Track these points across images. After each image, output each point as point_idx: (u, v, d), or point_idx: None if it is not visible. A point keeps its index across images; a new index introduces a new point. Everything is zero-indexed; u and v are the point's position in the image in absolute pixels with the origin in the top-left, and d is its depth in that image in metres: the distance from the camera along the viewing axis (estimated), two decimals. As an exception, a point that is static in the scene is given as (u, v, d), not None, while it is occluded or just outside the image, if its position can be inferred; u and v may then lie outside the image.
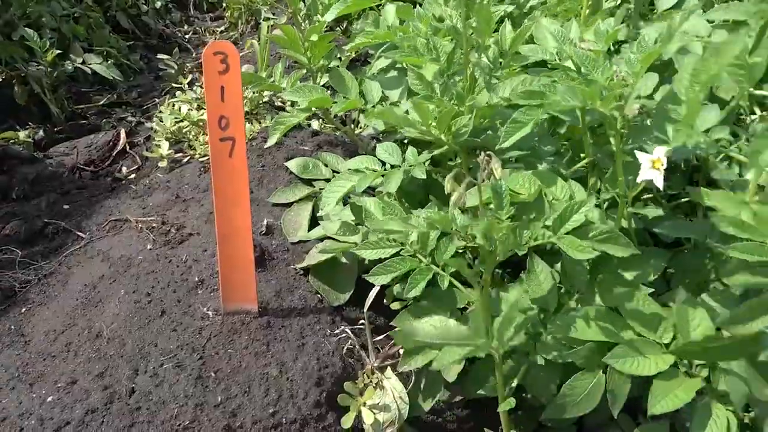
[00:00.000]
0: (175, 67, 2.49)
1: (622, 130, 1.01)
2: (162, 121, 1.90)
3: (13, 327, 1.22)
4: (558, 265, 1.11)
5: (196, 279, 1.20)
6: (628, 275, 1.09)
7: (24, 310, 1.27)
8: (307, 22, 1.74)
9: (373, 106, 1.46)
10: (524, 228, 0.98)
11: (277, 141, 1.56)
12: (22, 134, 2.04)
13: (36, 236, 1.63)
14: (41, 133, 2.11)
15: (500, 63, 1.16)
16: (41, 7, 2.29)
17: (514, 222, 0.99)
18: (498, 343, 0.94)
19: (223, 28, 3.21)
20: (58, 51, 2.11)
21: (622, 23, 1.31)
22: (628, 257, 1.12)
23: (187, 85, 2.20)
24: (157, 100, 2.35)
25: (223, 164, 1.05)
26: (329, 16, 1.52)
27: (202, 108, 2.03)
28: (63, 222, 1.66)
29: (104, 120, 2.25)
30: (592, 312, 1.02)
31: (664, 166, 0.92)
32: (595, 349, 0.98)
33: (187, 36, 3.21)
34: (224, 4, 3.32)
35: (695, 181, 1.39)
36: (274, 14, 2.85)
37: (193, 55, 2.93)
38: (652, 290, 1.04)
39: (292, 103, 2.03)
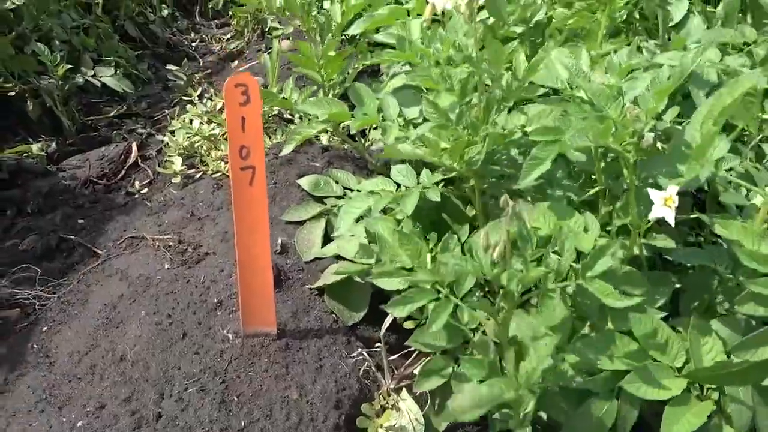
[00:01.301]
0: (184, 78, 2.51)
1: (635, 162, 1.03)
2: (174, 136, 1.93)
3: (36, 346, 1.25)
4: (569, 289, 1.14)
5: (215, 300, 1.23)
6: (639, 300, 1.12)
7: (45, 328, 1.30)
8: (318, 37, 1.76)
9: (392, 121, 1.49)
10: (550, 272, 0.99)
11: (290, 154, 1.59)
12: (35, 147, 2.07)
13: (52, 252, 1.66)
14: (53, 145, 2.13)
15: (513, 92, 1.18)
16: (52, 20, 2.31)
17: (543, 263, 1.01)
18: (524, 390, 0.95)
19: (229, 36, 3.23)
20: (69, 66, 2.14)
21: (632, 44, 1.33)
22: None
23: (197, 98, 2.23)
24: (166, 111, 2.38)
25: (244, 192, 1.08)
26: (355, 30, 1.54)
27: (213, 121, 2.06)
28: (78, 237, 1.69)
29: (115, 132, 2.27)
30: (608, 338, 1.04)
31: (676, 204, 0.94)
32: (610, 376, 1.01)
33: (194, 44, 3.23)
34: (230, 12, 3.34)
35: (702, 202, 1.42)
36: (280, 23, 2.87)
37: (201, 63, 2.95)
38: (664, 314, 1.07)
39: (302, 117, 2.06)
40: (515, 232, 0.96)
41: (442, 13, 1.12)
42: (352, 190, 1.64)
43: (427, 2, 1.13)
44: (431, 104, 1.16)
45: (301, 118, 2.06)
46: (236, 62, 2.69)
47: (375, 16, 1.50)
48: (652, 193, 0.96)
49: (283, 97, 1.84)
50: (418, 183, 1.33)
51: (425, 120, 1.25)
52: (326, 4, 1.85)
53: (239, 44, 3.03)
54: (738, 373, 0.93)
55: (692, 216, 1.19)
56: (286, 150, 1.42)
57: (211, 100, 2.20)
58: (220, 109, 2.18)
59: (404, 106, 1.51)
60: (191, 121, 1.98)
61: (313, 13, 1.73)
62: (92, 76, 2.25)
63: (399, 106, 1.50)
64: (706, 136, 0.97)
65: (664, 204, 0.95)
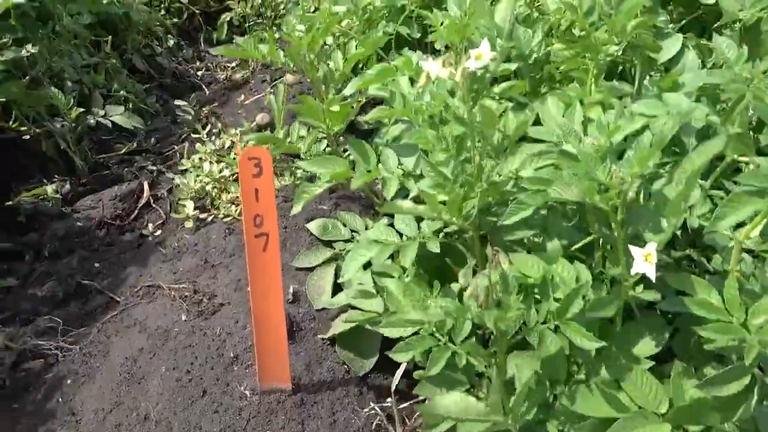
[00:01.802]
0: (192, 112, 2.57)
1: (622, 216, 1.09)
2: (185, 178, 1.98)
3: (61, 400, 1.31)
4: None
5: (231, 355, 1.29)
6: (632, 348, 1.18)
7: (69, 382, 1.36)
8: (323, 85, 1.82)
9: (391, 174, 1.55)
10: (530, 314, 1.07)
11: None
12: (49, 189, 2.13)
13: (71, 297, 1.72)
14: (67, 186, 2.19)
15: (505, 149, 1.24)
16: (63, 61, 2.37)
17: (524, 305, 1.08)
18: (514, 420, 1.03)
19: (234, 64, 3.29)
20: (81, 109, 2.20)
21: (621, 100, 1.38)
22: (631, 330, 1.21)
23: (205, 135, 2.28)
24: (176, 147, 2.43)
25: (258, 258, 1.13)
26: (348, 91, 1.60)
27: (222, 160, 2.12)
28: (95, 282, 1.75)
29: (126, 169, 2.33)
30: (597, 385, 1.11)
31: (656, 260, 1.01)
32: (598, 423, 1.07)
33: (199, 72, 3.29)
34: (234, 41, 3.40)
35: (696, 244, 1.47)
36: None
37: (207, 93, 3.01)
38: (651, 364, 1.13)
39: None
40: (498, 280, 1.04)
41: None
42: (359, 233, 1.70)
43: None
44: (428, 164, 1.21)
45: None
46: (242, 95, 2.74)
47: (366, 76, 1.56)
48: (633, 250, 1.02)
49: (290, 142, 1.91)
50: (420, 231, 1.39)
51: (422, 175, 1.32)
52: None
53: (244, 74, 3.09)
54: (713, 409, 0.99)
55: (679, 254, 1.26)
56: (295, 210, 1.47)
57: (219, 138, 2.26)
58: (228, 147, 2.25)
59: (402, 156, 1.56)
60: (201, 161, 2.04)
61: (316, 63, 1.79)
62: (103, 116, 2.32)
63: (397, 156, 1.56)
64: (679, 195, 1.03)
65: (645, 260, 1.01)
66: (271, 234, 1.13)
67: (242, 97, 2.67)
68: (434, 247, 1.34)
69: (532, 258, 1.17)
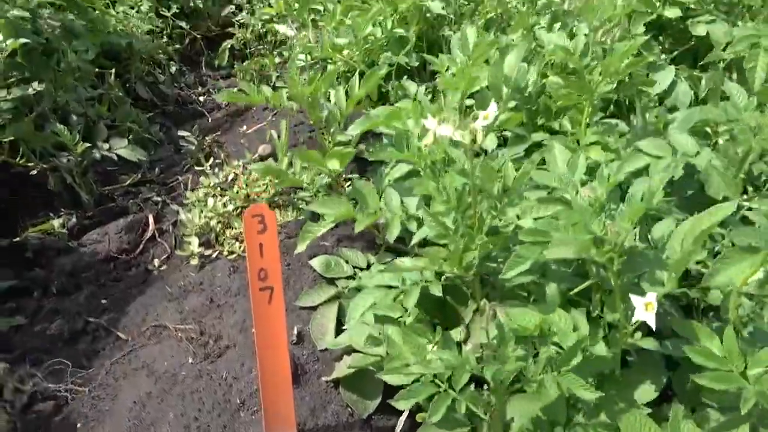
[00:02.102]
0: (195, 142, 2.61)
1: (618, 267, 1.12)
2: (189, 213, 2.02)
3: (72, 446, 1.34)
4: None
5: (238, 401, 1.31)
6: (631, 393, 1.21)
7: (80, 426, 1.39)
8: (325, 125, 1.86)
9: (393, 214, 1.58)
10: (529, 365, 1.10)
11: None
12: (56, 223, 2.17)
13: (79, 335, 1.75)
14: (73, 219, 2.23)
15: (505, 200, 1.27)
16: (69, 95, 2.42)
17: (522, 356, 1.12)
18: None
19: (236, 89, 3.33)
20: (87, 144, 2.23)
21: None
22: (631, 376, 1.24)
23: (209, 167, 2.32)
24: (180, 178, 2.47)
25: (263, 310, 1.16)
26: (353, 131, 1.64)
27: (226, 193, 2.15)
28: (103, 320, 1.79)
29: (131, 201, 2.36)
30: (597, 429, 1.14)
31: (656, 309, 1.03)
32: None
33: (201, 98, 3.33)
34: (234, 66, 3.45)
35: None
36: (285, 82, 2.97)
37: (209, 120, 3.06)
38: (649, 411, 1.16)
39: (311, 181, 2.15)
40: (495, 332, 1.07)
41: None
42: (362, 269, 1.73)
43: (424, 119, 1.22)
44: (430, 214, 1.25)
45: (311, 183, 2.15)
46: (244, 125, 2.78)
47: (372, 117, 1.60)
48: (634, 299, 1.05)
49: (293, 173, 1.94)
50: (422, 275, 1.42)
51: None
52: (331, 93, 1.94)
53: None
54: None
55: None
56: (299, 249, 1.51)
57: (222, 170, 2.30)
58: (232, 180, 2.28)
59: (404, 196, 1.60)
60: (205, 196, 2.07)
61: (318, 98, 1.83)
62: (108, 150, 2.36)
63: (400, 196, 1.59)
64: (685, 254, 1.06)
65: (645, 309, 1.04)
66: (276, 288, 1.16)
67: (244, 127, 2.71)
68: (436, 291, 1.37)
69: (528, 311, 1.20)
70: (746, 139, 1.29)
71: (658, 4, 2.05)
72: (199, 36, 3.73)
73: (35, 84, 2.18)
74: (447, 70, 1.68)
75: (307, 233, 1.57)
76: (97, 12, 2.95)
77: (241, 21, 3.71)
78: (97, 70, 2.71)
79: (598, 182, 1.20)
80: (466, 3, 2.56)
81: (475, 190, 1.21)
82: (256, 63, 3.24)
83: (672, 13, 2.02)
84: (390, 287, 1.41)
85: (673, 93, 2.06)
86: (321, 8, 2.96)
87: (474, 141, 1.11)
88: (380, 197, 1.59)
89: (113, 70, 2.73)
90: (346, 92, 1.81)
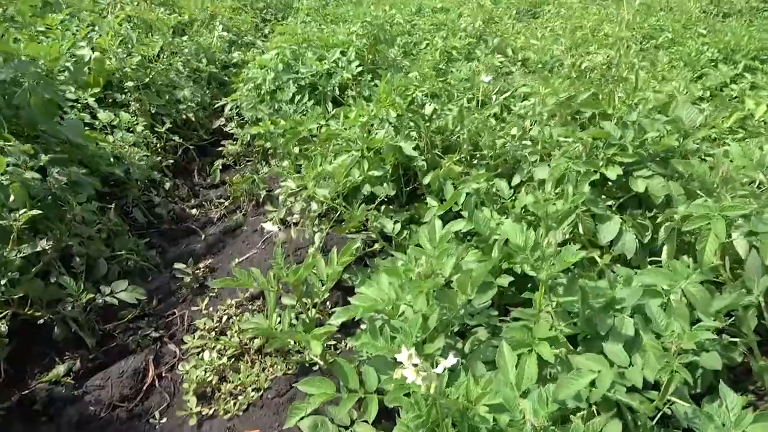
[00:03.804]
0: (190, 274, 2.81)
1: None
2: (187, 364, 2.20)
3: None
4: None
5: None
6: None
7: None
8: (306, 298, 2.07)
9: (371, 393, 1.78)
10: None
11: (291, 391, 1.86)
12: (62, 369, 2.34)
13: (87, 498, 1.91)
14: (78, 363, 2.40)
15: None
16: (72, 240, 2.61)
17: None
18: None
19: (227, 203, 3.55)
20: (90, 295, 2.42)
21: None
22: None
23: (204, 308, 2.51)
24: (176, 311, 2.66)
25: None
26: (335, 321, 1.85)
27: (220, 340, 2.34)
28: (109, 480, 1.95)
29: (131, 337, 2.54)
30: None
31: None
32: None
33: (193, 210, 3.54)
34: (225, 181, 3.68)
35: None
36: (272, 203, 3.20)
37: (203, 238, 3.26)
38: None
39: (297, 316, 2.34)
40: None
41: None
42: (346, 428, 1.92)
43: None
44: (403, 425, 1.45)
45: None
46: (236, 256, 2.98)
47: (351, 308, 1.81)
48: None
49: (281, 330, 2.14)
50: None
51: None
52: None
53: (237, 218, 3.35)
54: None
55: None
56: (288, 425, 1.70)
57: (216, 311, 2.49)
58: (226, 321, 2.48)
59: (381, 373, 1.80)
60: (201, 347, 2.26)
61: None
62: (109, 294, 2.54)
63: (377, 373, 1.79)
64: None
65: None
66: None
67: (236, 259, 2.90)
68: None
69: None
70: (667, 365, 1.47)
71: (601, 164, 2.31)
72: (191, 147, 3.97)
73: (43, 242, 2.37)
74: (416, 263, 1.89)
75: (295, 410, 1.76)
76: (97, 144, 3.18)
77: (231, 132, 3.96)
78: (97, 205, 2.91)
79: (538, 404, 1.39)
80: (439, 155, 2.82)
81: (441, 414, 1.41)
82: (246, 180, 3.47)
83: (612, 173, 2.27)
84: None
85: (619, 242, 2.30)
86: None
87: (431, 386, 1.31)
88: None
89: (113, 205, 2.94)
90: (327, 265, 2.04)
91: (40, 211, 2.30)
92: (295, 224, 3.20)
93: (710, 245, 1.83)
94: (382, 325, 1.75)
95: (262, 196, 3.42)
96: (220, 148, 3.92)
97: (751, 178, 2.01)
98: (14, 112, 2.75)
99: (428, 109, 2.95)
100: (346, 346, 2.29)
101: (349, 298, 1.98)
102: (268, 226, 2.82)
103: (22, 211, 2.27)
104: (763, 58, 5.06)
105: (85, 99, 3.47)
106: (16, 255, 2.32)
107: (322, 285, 2.04)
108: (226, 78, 4.82)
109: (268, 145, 3.47)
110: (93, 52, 3.71)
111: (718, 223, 1.80)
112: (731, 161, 2.04)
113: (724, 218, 1.80)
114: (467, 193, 2.46)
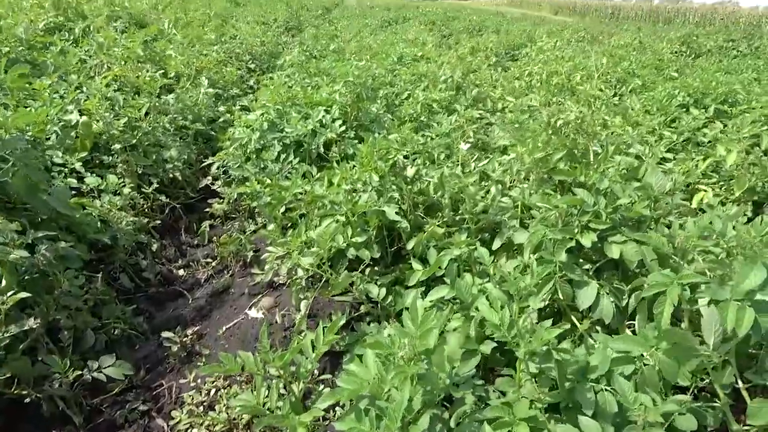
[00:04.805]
0: (178, 342, 2.82)
1: None
2: (175, 444, 2.21)
3: None
4: None
5: None
6: None
7: None
8: (293, 380, 2.10)
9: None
10: None
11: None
12: (50, 453, 2.33)
13: None
14: (66, 445, 2.39)
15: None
16: (60, 313, 2.63)
17: None
18: None
19: (214, 263, 3.58)
20: (78, 372, 2.43)
21: None
22: None
23: (192, 379, 2.53)
24: (164, 383, 2.66)
25: None
26: (320, 405, 1.88)
27: (210, 412, 2.36)
28: None
29: (119, 411, 2.54)
30: None
31: None
32: None
33: (181, 272, 3.57)
34: (213, 240, 3.71)
35: None
36: (259, 266, 3.24)
37: (190, 302, 3.28)
38: None
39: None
40: None
41: None
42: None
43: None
44: None
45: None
46: (224, 325, 3.00)
47: (336, 392, 1.84)
48: None
49: (268, 409, 2.16)
50: None
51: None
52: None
53: (225, 279, 3.38)
54: None
55: None
56: None
57: (204, 384, 2.51)
58: (215, 393, 2.49)
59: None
60: (191, 427, 2.27)
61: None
62: (97, 369, 2.54)
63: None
64: None
65: None
66: None
67: (224, 328, 2.93)
68: None
69: None
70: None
71: (576, 231, 2.40)
72: (178, 205, 4.02)
73: (31, 320, 2.39)
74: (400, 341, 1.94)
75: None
76: (84, 208, 3.21)
77: (218, 189, 4.02)
78: (85, 275, 2.93)
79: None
80: (422, 216, 2.90)
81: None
82: (233, 241, 3.51)
83: (587, 240, 2.35)
84: None
85: (597, 308, 2.38)
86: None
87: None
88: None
89: (100, 274, 2.97)
90: (312, 345, 2.08)
91: (29, 294, 2.32)
92: (283, 285, 3.25)
93: (667, 310, 1.92)
94: (367, 408, 1.78)
95: (249, 256, 3.46)
96: (207, 208, 3.97)
97: (706, 250, 2.12)
98: (1, 187, 2.79)
99: (410, 172, 3.04)
100: (335, 415, 2.32)
101: (336, 376, 2.02)
102: (253, 313, 2.87)
103: (10, 294, 2.29)
104: (731, 102, 5.27)
105: (72, 164, 3.52)
106: (3, 335, 2.33)
107: (309, 365, 2.07)
108: (213, 132, 4.91)
109: (255, 204, 3.53)
110: (81, 116, 3.78)
111: (673, 290, 1.89)
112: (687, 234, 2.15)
113: (681, 286, 1.89)
114: (450, 259, 2.53)
